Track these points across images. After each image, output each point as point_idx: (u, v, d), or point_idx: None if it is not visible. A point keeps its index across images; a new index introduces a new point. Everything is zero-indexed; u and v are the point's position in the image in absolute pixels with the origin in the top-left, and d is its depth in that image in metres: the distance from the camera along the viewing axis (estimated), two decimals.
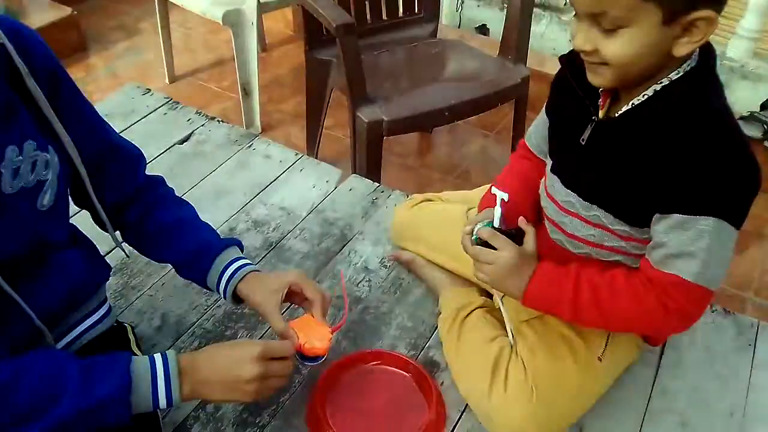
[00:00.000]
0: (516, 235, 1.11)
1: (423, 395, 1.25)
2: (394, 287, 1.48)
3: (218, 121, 1.91)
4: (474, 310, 1.32)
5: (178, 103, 1.96)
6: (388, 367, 1.30)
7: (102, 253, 1.22)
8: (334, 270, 1.51)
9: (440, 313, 1.38)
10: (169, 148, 1.80)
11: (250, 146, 1.83)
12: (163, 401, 0.97)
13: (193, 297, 1.44)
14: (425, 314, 1.43)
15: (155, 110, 1.92)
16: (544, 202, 1.19)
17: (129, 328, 1.21)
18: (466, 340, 1.27)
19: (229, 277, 1.16)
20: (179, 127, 1.88)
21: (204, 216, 1.61)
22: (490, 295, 1.35)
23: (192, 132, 1.86)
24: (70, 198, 1.09)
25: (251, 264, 1.19)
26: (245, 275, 1.16)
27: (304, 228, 1.61)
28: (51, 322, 1.04)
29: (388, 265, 1.53)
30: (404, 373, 1.29)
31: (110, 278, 1.44)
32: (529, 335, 1.22)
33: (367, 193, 1.72)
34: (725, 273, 1.00)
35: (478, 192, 1.61)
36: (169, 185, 1.28)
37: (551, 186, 1.15)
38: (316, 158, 1.84)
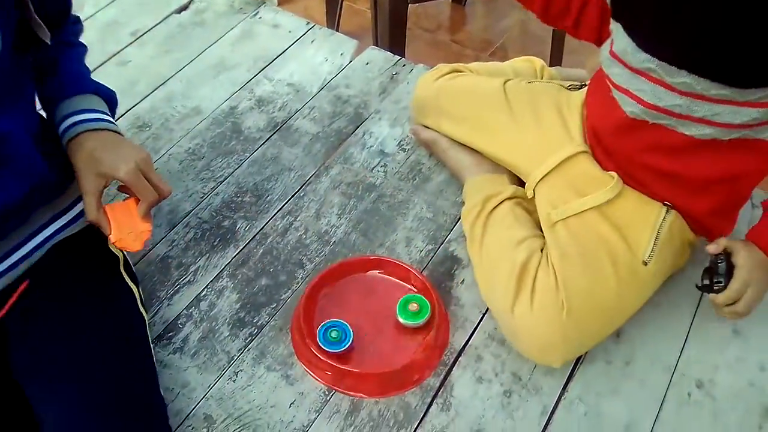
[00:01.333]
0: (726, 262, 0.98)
1: (425, 315, 1.10)
2: (413, 173, 1.32)
3: None
4: (503, 201, 1.15)
5: None
6: (389, 278, 1.15)
7: None
8: (346, 154, 1.34)
9: (464, 202, 1.22)
10: (165, 18, 1.61)
11: (256, 14, 1.63)
12: None
13: (189, 183, 1.29)
14: (447, 204, 1.26)
15: None
16: (612, 68, 0.99)
17: None
18: (491, 241, 1.11)
19: (62, 133, 0.98)
20: None
21: (202, 93, 1.46)
22: (522, 183, 1.18)
23: None
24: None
25: (91, 122, 0.98)
26: (75, 136, 0.96)
27: (314, 106, 1.44)
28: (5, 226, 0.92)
29: (407, 148, 1.35)
30: (407, 285, 1.14)
31: None
32: (563, 236, 1.04)
33: (386, 67, 1.52)
34: None
35: (514, 64, 1.41)
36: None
37: (622, 50, 0.95)
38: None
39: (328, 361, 1.02)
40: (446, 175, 1.31)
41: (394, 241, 1.21)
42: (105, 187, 0.96)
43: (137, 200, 0.97)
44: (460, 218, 1.23)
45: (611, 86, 0.99)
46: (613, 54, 0.97)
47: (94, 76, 1.04)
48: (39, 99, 1.03)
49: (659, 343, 1.08)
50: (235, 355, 1.06)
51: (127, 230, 0.96)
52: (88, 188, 0.94)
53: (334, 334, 1.05)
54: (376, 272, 1.15)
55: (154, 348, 1.05)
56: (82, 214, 1.03)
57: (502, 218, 1.13)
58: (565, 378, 1.05)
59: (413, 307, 1.07)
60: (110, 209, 0.96)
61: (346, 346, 1.04)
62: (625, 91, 0.97)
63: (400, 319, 1.06)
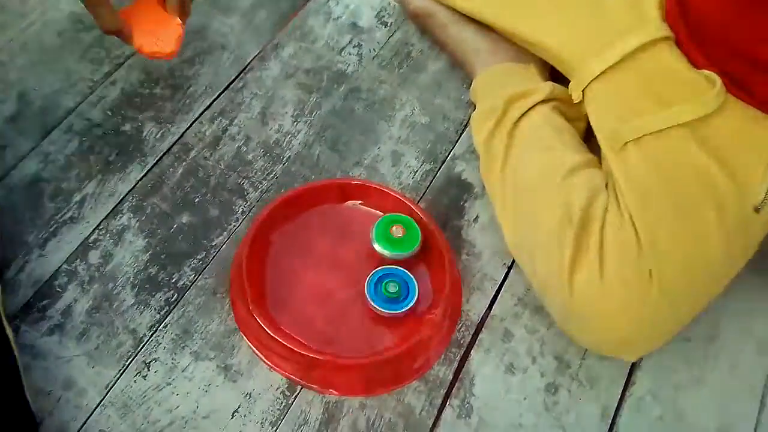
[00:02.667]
0: None
1: (428, 276, 0.75)
2: (399, 58, 0.93)
3: None
4: (535, 105, 0.79)
5: None
6: (373, 212, 0.79)
7: None
8: (304, 28, 0.94)
9: (474, 105, 0.86)
10: None
11: None
12: None
13: (72, 65, 0.87)
14: (448, 104, 0.90)
15: None
16: None
17: None
18: (523, 167, 0.76)
19: None
20: None
21: None
22: (557, 78, 0.82)
23: None
24: None
25: None
26: None
27: None
28: None
29: (390, 21, 0.96)
30: None
31: None
32: (638, 167, 0.69)
33: None
34: None
35: None
36: None
37: None
38: None
39: (289, 344, 0.67)
40: (446, 63, 0.93)
41: (375, 157, 0.84)
42: None
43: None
44: (468, 125, 0.87)
45: None
46: None
47: None
48: None
49: (752, 310, 0.78)
50: (145, 334, 0.70)
51: (151, 32, 0.77)
52: None
53: (392, 289, 0.71)
54: (355, 203, 0.79)
55: (16, 328, 0.68)
56: None
57: (536, 132, 0.78)
58: (629, 364, 0.73)
59: (397, 231, 0.73)
60: (128, 13, 0.77)
61: (410, 305, 0.70)
62: None
63: (377, 247, 0.72)
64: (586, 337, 0.70)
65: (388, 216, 0.75)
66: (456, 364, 0.72)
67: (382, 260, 0.74)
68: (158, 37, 0.76)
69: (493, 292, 0.76)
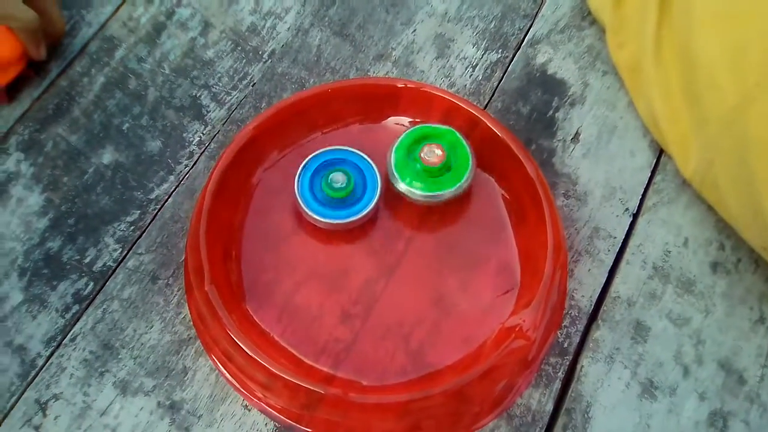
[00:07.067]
0: None
1: (509, 239, 0.45)
2: None
3: None
4: None
5: None
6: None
7: None
8: None
9: None
10: None
11: None
12: None
13: None
14: None
15: None
16: None
17: None
18: (705, 39, 0.43)
19: None
20: None
21: None
22: None
23: None
24: None
25: None
26: None
27: None
28: None
29: None
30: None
31: None
32: None
33: None
34: None
35: None
36: None
37: None
38: None
39: (274, 365, 0.38)
40: None
41: (409, 45, 0.53)
42: None
43: None
44: None
45: None
46: None
47: None
48: None
49: None
50: (39, 354, 0.43)
51: None
52: None
53: (338, 180, 0.44)
54: (401, 121, 0.49)
55: None
56: None
57: None
58: None
59: (431, 154, 0.44)
60: None
61: (367, 209, 0.44)
62: None
63: (399, 185, 0.44)
64: None
65: (417, 129, 0.45)
66: (558, 385, 0.43)
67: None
68: None
69: (612, 258, 0.46)
